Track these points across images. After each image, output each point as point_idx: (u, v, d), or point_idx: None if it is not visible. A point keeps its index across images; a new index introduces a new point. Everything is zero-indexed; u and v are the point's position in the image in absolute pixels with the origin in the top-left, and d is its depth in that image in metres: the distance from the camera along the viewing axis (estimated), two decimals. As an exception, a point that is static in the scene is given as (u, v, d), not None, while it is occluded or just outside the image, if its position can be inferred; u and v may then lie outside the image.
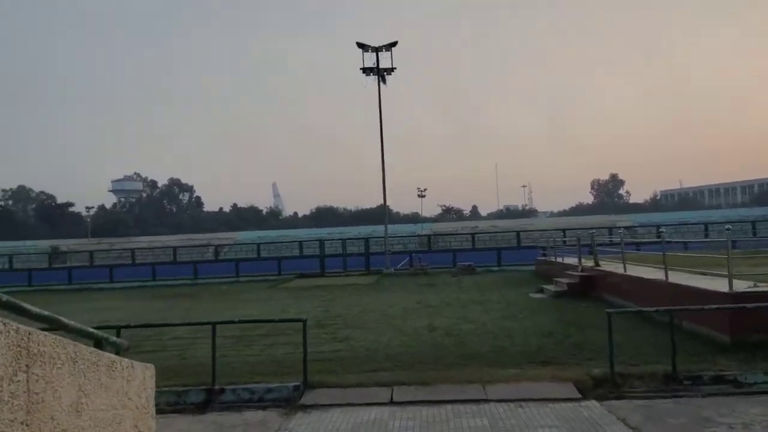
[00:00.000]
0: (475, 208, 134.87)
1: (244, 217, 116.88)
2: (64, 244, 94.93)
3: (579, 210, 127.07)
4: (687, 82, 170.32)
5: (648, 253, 17.95)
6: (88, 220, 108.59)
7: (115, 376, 2.87)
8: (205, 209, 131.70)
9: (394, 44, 29.90)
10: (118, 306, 19.20)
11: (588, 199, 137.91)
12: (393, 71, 30.02)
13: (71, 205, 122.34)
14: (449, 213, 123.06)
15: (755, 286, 8.90)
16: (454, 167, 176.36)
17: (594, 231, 16.94)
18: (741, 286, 8.88)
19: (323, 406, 6.65)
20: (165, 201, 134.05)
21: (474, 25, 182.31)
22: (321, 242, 32.20)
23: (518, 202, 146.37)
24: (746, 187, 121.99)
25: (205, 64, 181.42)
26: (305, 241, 34.43)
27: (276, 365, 8.87)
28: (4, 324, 2.04)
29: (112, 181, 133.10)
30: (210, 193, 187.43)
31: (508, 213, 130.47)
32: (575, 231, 36.56)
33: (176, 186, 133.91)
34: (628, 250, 17.83)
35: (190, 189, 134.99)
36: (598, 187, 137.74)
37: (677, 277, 11.01)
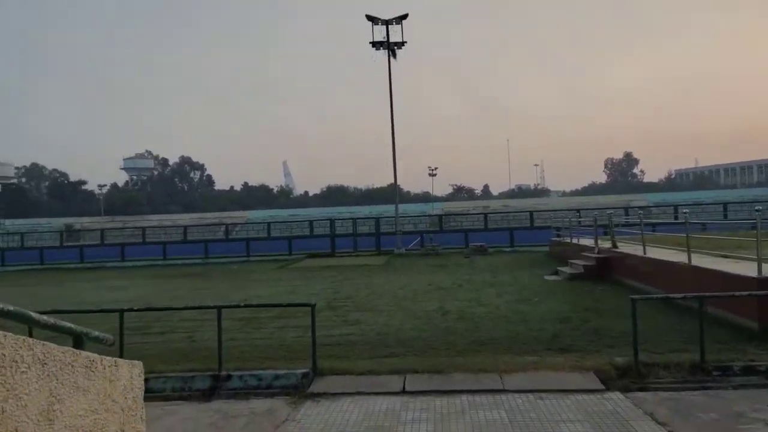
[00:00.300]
0: (486, 187, 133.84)
1: (255, 196, 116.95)
2: (78, 222, 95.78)
3: (592, 189, 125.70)
4: (702, 60, 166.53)
5: (666, 234, 17.47)
6: (101, 198, 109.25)
7: (96, 376, 2.57)
8: (216, 187, 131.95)
9: (404, 17, 29.07)
10: (129, 285, 19.11)
11: (601, 178, 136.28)
12: (404, 45, 29.27)
13: (84, 183, 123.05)
14: (460, 192, 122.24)
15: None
16: (465, 145, 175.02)
17: (611, 211, 16.43)
18: (771, 271, 8.44)
19: (333, 394, 6.38)
20: (176, 179, 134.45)
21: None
22: (331, 222, 31.94)
23: (530, 181, 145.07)
24: (763, 166, 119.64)
25: (216, 42, 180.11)
26: (316, 220, 34.13)
27: (285, 349, 8.64)
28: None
29: (123, 159, 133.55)
30: (221, 172, 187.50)
31: (520, 192, 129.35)
32: (590, 211, 36.01)
33: (187, 164, 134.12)
34: (645, 231, 17.36)
35: (201, 167, 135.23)
36: (611, 166, 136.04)
37: (700, 261, 10.59)
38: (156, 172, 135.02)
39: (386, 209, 61.73)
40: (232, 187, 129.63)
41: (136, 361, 3.08)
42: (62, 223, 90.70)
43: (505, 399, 5.98)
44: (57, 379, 2.25)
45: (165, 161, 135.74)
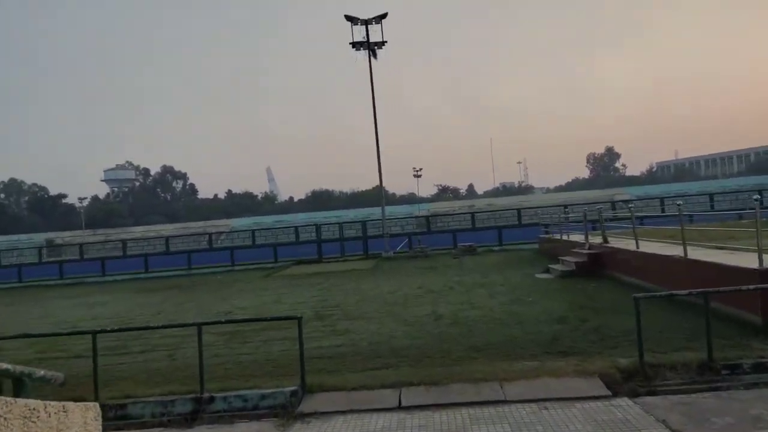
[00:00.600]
0: (471, 186, 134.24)
1: (239, 203, 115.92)
2: (59, 236, 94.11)
3: (575, 185, 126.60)
4: (679, 53, 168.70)
5: (655, 228, 17.30)
6: (82, 211, 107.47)
7: (39, 427, 2.14)
8: (199, 196, 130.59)
9: (384, 16, 28.71)
10: (109, 301, 18.48)
11: (584, 173, 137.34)
12: (384, 45, 28.91)
13: (64, 196, 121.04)
14: (446, 192, 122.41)
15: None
16: (449, 145, 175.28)
17: (601, 206, 16.20)
18: (772, 261, 8.18)
19: (324, 413, 5.96)
20: (159, 189, 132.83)
21: None
22: (317, 227, 31.46)
23: (514, 179, 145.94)
24: (743, 156, 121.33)
25: (196, 50, 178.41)
26: (301, 226, 33.58)
27: (272, 365, 8.21)
28: None
29: (104, 171, 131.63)
30: (204, 180, 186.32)
31: (505, 190, 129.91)
32: (577, 206, 35.92)
33: (169, 174, 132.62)
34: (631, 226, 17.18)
35: (183, 176, 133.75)
36: (593, 160, 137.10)
37: (695, 253, 10.35)
38: (138, 183, 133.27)
39: (372, 212, 61.34)
40: (215, 196, 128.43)
41: (90, 404, 2.65)
42: (43, 238, 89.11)
43: (508, 411, 5.61)
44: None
45: (146, 171, 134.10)
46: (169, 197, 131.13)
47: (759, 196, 8.97)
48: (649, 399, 5.80)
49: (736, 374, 6.26)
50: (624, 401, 5.74)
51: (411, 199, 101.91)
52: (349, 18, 28.69)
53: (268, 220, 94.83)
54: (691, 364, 6.47)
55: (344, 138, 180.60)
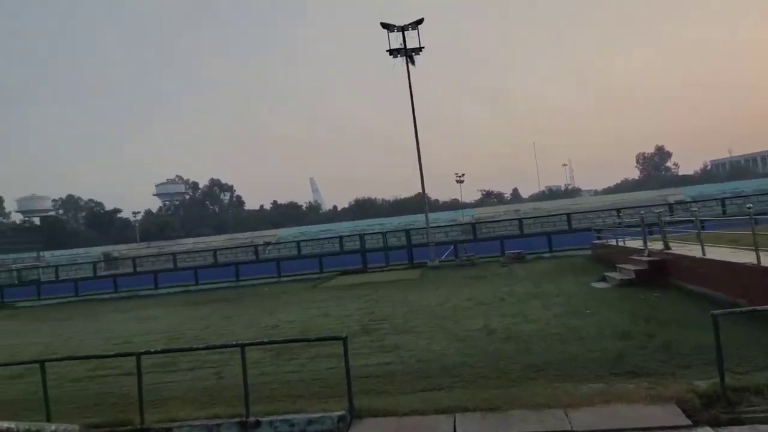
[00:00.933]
0: (515, 190, 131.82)
1: (284, 214, 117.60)
2: (115, 249, 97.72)
3: (625, 186, 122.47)
4: (731, 45, 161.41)
5: (717, 231, 16.22)
6: (136, 225, 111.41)
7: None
8: (246, 207, 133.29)
9: (420, 21, 28.33)
10: (160, 315, 18.75)
11: (633, 174, 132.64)
12: (421, 51, 28.53)
13: (119, 211, 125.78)
14: (489, 197, 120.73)
15: None
16: (492, 150, 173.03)
17: (661, 210, 15.32)
18: None
19: (374, 442, 5.62)
20: (207, 201, 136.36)
21: None
22: (361, 237, 31.28)
23: (560, 182, 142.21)
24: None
25: (235, 64, 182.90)
26: (346, 236, 33.55)
27: (318, 384, 7.94)
28: None
29: (155, 185, 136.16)
30: (250, 192, 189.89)
31: (551, 194, 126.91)
32: (631, 209, 34.47)
33: (217, 186, 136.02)
34: (691, 228, 16.18)
35: (230, 188, 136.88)
36: (643, 160, 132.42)
37: (772, 261, 9.49)
38: (187, 196, 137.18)
39: (415, 219, 60.84)
40: (261, 206, 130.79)
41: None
42: (100, 251, 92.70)
43: (575, 443, 5.12)
44: None
45: (195, 185, 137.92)
46: (217, 209, 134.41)
47: None
48: (735, 429, 5.20)
49: (834, 400, 5.57)
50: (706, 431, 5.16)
51: (454, 205, 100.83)
52: (385, 25, 28.49)
53: (313, 229, 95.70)
54: (780, 388, 5.81)
55: (385, 145, 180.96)
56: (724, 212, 28.88)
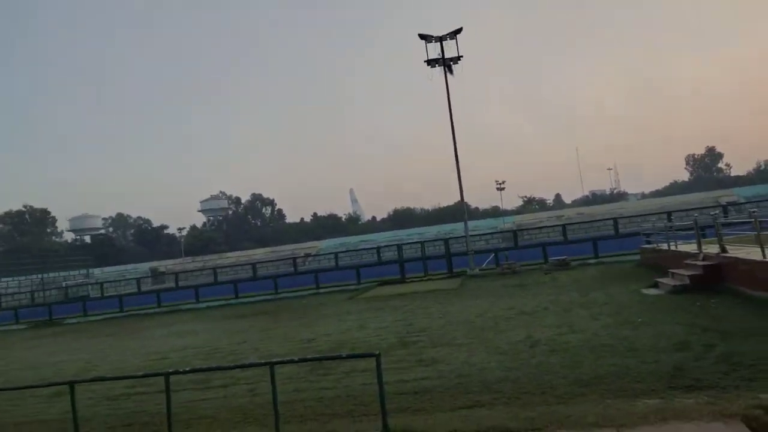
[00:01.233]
0: (558, 196, 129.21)
1: (324, 225, 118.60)
2: (162, 264, 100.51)
3: (674, 188, 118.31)
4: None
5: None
6: (181, 240, 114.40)
7: None
8: (287, 220, 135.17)
9: (458, 31, 28.04)
10: (200, 329, 18.82)
11: (683, 176, 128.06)
12: (460, 60, 28.20)
13: (166, 227, 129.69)
14: (531, 204, 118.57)
15: None
16: (532, 155, 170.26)
17: (716, 212, 14.42)
18: None
19: (409, 466, 5.22)
20: (249, 216, 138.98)
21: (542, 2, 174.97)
22: (399, 247, 30.92)
23: (604, 186, 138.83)
24: None
25: (272, 78, 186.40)
26: (383, 246, 33.33)
27: (353, 402, 7.60)
28: None
29: (200, 202, 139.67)
30: (290, 204, 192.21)
31: (595, 198, 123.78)
32: (681, 212, 33.00)
33: (258, 201, 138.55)
34: (747, 230, 15.17)
35: (271, 202, 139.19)
36: (693, 162, 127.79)
37: None
38: (230, 212, 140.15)
39: (456, 227, 60.18)
40: (302, 219, 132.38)
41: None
42: (147, 267, 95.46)
43: (632, 469, 4.60)
44: None
45: (238, 200, 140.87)
46: (259, 223, 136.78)
47: None
48: (817, 453, 4.57)
49: None
50: (784, 457, 4.55)
51: (495, 212, 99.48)
52: (423, 36, 28.32)
53: (353, 240, 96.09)
54: None
55: (424, 154, 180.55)
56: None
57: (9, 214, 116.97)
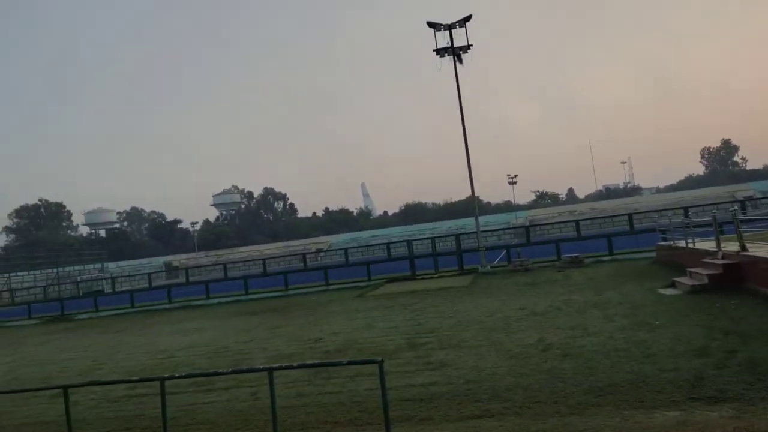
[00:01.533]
0: (571, 191, 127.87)
1: (336, 220, 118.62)
2: (176, 258, 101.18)
3: (689, 183, 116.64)
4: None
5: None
6: (194, 234, 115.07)
7: None
8: (299, 215, 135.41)
9: (468, 19, 27.42)
10: (208, 327, 18.70)
11: (698, 169, 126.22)
12: (470, 48, 27.62)
13: (179, 221, 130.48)
14: (544, 198, 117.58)
15: None
16: (545, 149, 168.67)
17: (735, 208, 13.94)
18: None
19: (413, 482, 4.94)
20: (261, 210, 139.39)
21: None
22: (409, 243, 30.56)
23: (618, 180, 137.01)
24: None
25: (283, 72, 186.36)
26: (393, 243, 33.03)
27: (357, 408, 7.34)
28: None
29: (213, 196, 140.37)
30: (303, 199, 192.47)
31: (608, 193, 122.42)
32: (698, 207, 32.32)
33: (271, 195, 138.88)
34: (764, 227, 14.71)
35: (283, 197, 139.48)
36: (708, 155, 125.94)
37: None
38: (243, 206, 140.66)
39: (467, 222, 59.67)
40: (314, 213, 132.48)
41: None
42: (162, 261, 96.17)
43: (651, 492, 4.28)
44: None
45: (250, 194, 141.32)
46: (271, 217, 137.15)
47: None
48: None
49: None
50: (819, 481, 4.20)
51: (507, 207, 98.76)
52: (431, 24, 27.78)
53: (364, 235, 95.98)
54: None
55: (435, 147, 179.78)
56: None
57: (25, 208, 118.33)
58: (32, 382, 12.35)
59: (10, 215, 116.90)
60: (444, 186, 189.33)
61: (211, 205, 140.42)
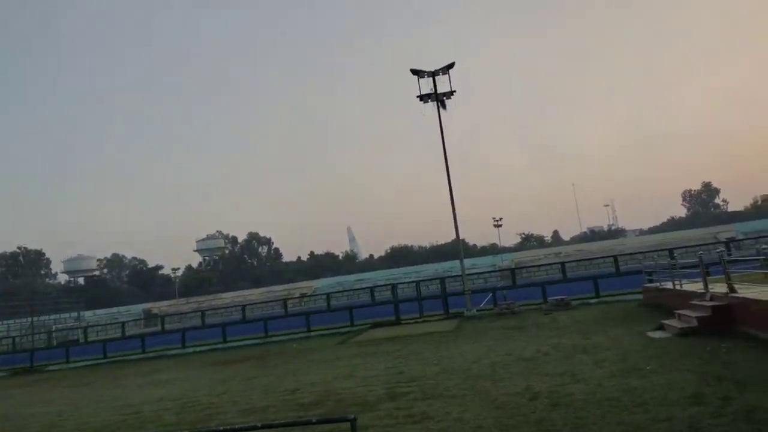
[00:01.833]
0: (556, 233, 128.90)
1: (321, 264, 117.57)
2: (156, 306, 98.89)
3: (671, 225, 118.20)
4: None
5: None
6: (176, 280, 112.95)
7: None
8: (283, 259, 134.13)
9: (451, 66, 27.93)
10: (180, 378, 17.84)
11: (680, 212, 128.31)
12: (453, 95, 28.01)
13: (161, 267, 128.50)
14: (529, 241, 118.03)
15: None
16: (529, 193, 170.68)
17: (722, 249, 13.77)
18: None
19: None
20: (246, 255, 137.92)
21: (537, 37, 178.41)
22: (393, 287, 29.98)
23: (602, 222, 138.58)
24: None
25: (269, 113, 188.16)
26: (379, 286, 32.44)
27: (330, 469, 6.74)
28: None
29: (196, 241, 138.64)
30: (288, 243, 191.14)
31: (593, 235, 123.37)
32: (681, 248, 32.33)
33: (255, 240, 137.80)
34: (747, 268, 14.50)
35: (268, 241, 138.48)
36: (690, 198, 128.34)
37: None
38: (227, 251, 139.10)
39: (453, 265, 59.34)
40: (299, 258, 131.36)
41: None
42: (141, 309, 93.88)
43: None
44: None
45: (234, 239, 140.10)
46: (255, 262, 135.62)
47: None
48: None
49: None
50: None
51: (492, 250, 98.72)
52: (415, 72, 28.18)
53: (350, 279, 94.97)
54: None
55: (421, 191, 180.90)
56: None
57: (3, 256, 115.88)
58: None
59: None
60: (431, 229, 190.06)
61: (195, 250, 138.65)
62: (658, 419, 6.80)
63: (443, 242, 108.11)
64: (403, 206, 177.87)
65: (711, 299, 12.84)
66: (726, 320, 11.88)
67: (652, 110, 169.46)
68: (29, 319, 63.85)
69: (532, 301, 25.25)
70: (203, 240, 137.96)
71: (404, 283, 35.73)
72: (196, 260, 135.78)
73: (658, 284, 18.80)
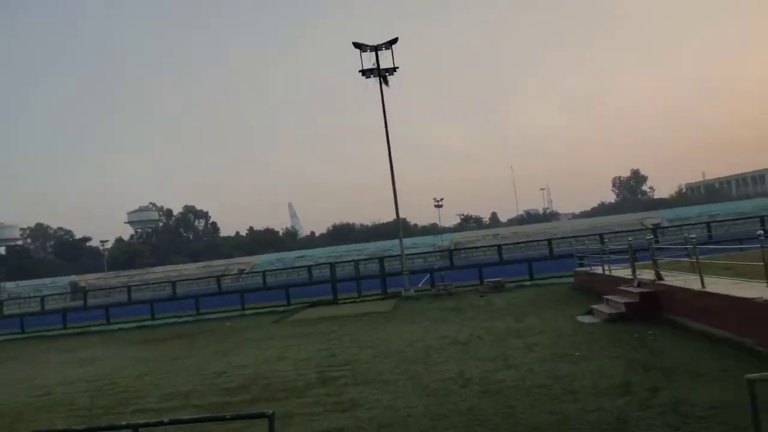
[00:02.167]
0: (494, 215, 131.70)
1: (260, 240, 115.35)
2: (83, 279, 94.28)
3: (602, 210, 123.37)
4: (704, 71, 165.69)
5: (705, 258, 15.05)
6: (105, 253, 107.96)
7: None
8: (221, 234, 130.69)
9: (394, 41, 27.35)
10: (102, 356, 16.84)
11: (610, 197, 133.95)
12: (395, 71, 27.49)
13: (89, 239, 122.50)
14: (468, 222, 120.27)
15: None
16: (470, 175, 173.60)
17: (651, 237, 14.14)
18: None
19: None
20: (181, 229, 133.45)
21: (484, 21, 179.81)
22: (332, 266, 29.57)
23: (538, 206, 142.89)
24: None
25: (213, 88, 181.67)
26: (316, 265, 31.97)
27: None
28: None
29: (128, 213, 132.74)
30: (226, 218, 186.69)
31: (529, 218, 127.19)
32: (613, 234, 33.59)
33: (191, 213, 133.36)
34: (675, 254, 15.00)
35: (205, 215, 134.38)
36: (619, 184, 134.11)
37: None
38: (161, 224, 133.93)
39: (394, 244, 59.50)
40: (237, 233, 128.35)
41: None
42: (67, 281, 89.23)
43: None
44: None
45: (169, 212, 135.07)
46: (191, 236, 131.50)
47: None
48: None
49: None
50: None
51: (433, 229, 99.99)
52: (357, 45, 27.46)
53: (290, 255, 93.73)
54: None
55: (363, 169, 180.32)
56: (709, 236, 27.97)
57: None
58: None
59: None
60: (373, 207, 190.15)
61: (126, 222, 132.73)
62: (587, 410, 6.77)
63: (386, 221, 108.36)
64: (346, 184, 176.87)
65: (639, 285, 13.19)
66: (653, 307, 12.23)
67: (590, 99, 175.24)
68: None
69: (469, 283, 25.50)
70: (135, 212, 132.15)
71: (344, 261, 35.35)
72: (127, 233, 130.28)
73: (588, 269, 19.32)
